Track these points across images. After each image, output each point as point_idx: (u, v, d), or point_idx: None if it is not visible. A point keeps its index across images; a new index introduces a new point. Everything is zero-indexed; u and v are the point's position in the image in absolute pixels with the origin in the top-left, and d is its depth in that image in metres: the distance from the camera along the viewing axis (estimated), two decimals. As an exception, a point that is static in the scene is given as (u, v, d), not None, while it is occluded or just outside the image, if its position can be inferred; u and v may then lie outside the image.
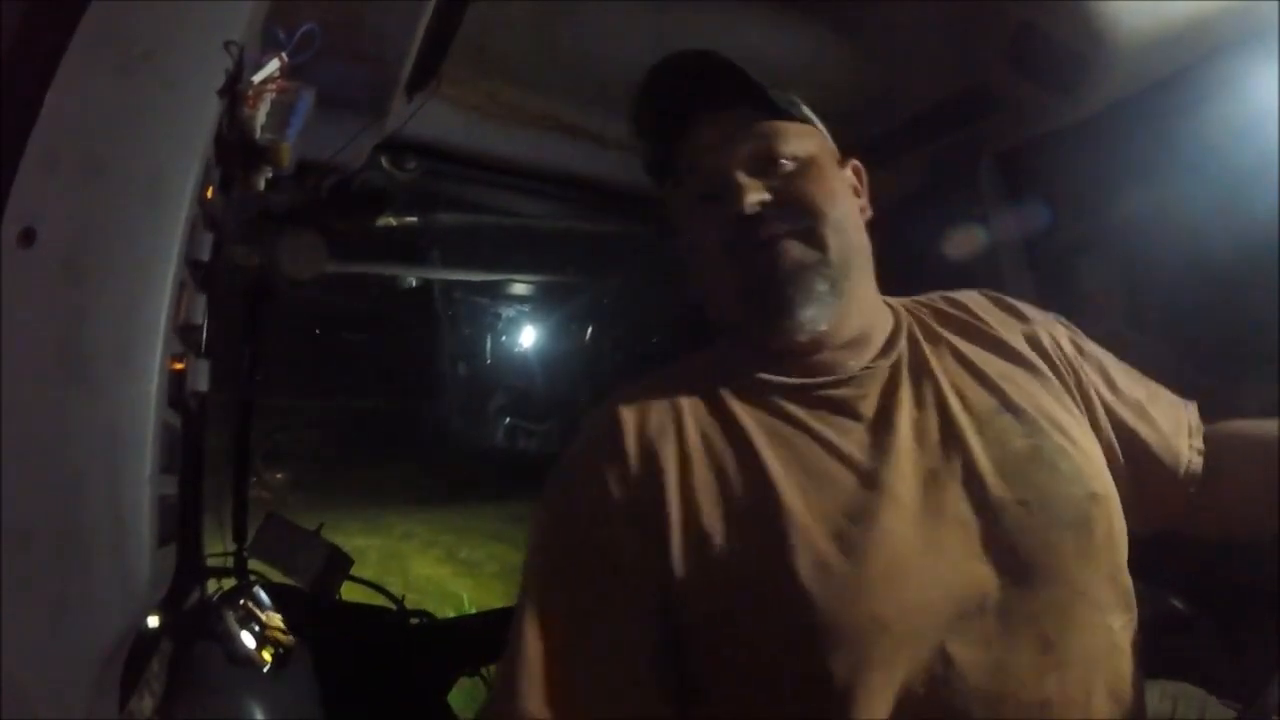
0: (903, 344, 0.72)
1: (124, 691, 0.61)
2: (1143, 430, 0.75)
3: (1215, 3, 1.08)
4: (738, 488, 0.63)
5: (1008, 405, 0.68)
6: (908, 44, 1.29)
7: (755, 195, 0.68)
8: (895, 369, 0.70)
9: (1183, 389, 0.81)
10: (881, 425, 0.66)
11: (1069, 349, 0.76)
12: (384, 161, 1.37)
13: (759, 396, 0.69)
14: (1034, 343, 0.75)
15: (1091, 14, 1.10)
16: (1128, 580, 0.65)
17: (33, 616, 0.52)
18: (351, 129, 1.12)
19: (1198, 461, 0.75)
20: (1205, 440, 0.77)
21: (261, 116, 0.65)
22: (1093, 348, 0.78)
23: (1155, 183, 1.23)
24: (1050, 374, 0.73)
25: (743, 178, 0.69)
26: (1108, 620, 0.62)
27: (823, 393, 0.69)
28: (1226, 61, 1.12)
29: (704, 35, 1.23)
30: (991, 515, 0.62)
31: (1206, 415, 0.79)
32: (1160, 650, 0.88)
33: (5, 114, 0.56)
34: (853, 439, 0.66)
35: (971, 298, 0.81)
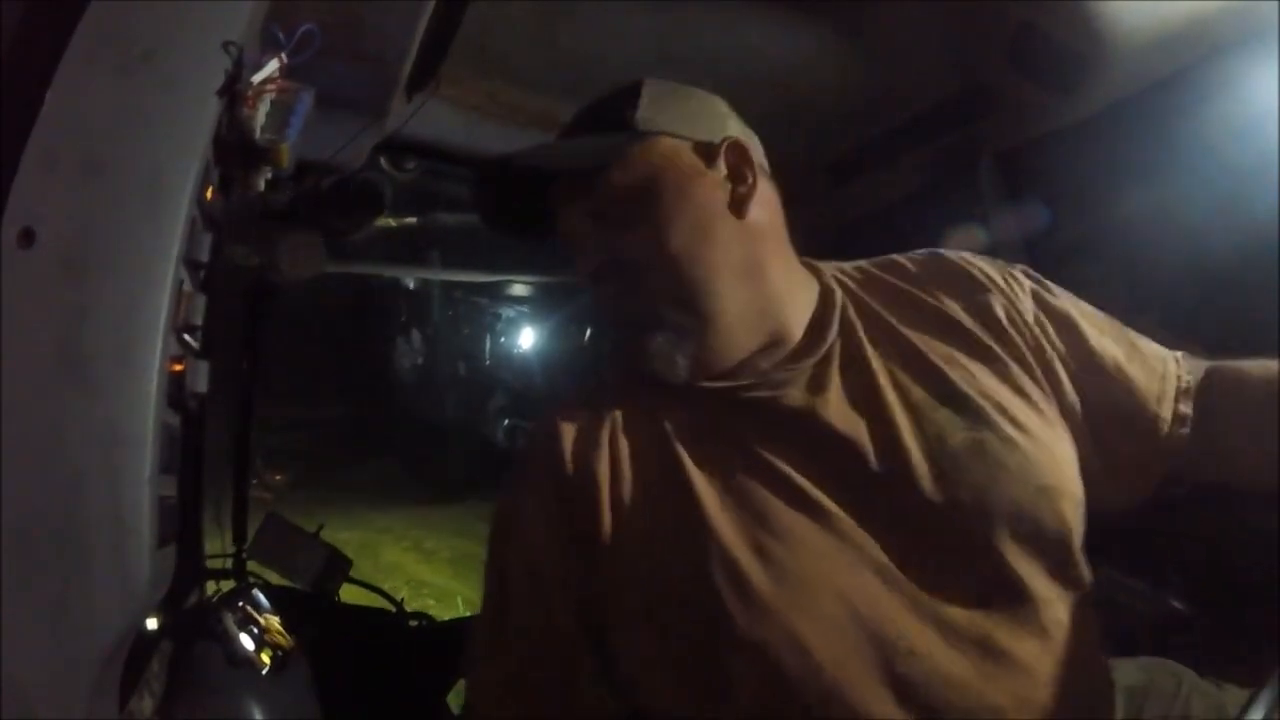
0: (833, 333, 0.68)
1: (124, 691, 0.61)
2: (1118, 393, 0.70)
3: (1215, 3, 1.08)
4: (662, 498, 0.63)
5: (950, 395, 0.64)
6: (908, 44, 1.29)
7: (590, 261, 0.70)
8: (823, 365, 0.67)
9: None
10: (805, 426, 0.64)
11: (1028, 310, 0.71)
12: (384, 161, 1.37)
13: (684, 401, 0.67)
14: (985, 314, 0.70)
15: (1091, 14, 1.09)
16: (1079, 565, 0.62)
17: (33, 616, 0.52)
18: (351, 129, 1.12)
19: (1181, 422, 0.70)
20: (1202, 381, 0.72)
21: (261, 117, 0.65)
22: (1062, 303, 0.73)
23: (1155, 183, 1.23)
24: (1001, 351, 0.68)
25: (578, 244, 0.71)
26: (1056, 615, 0.60)
27: (746, 395, 0.66)
28: (1226, 62, 1.12)
29: (704, 35, 1.23)
30: (923, 520, 0.59)
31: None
32: (1160, 650, 0.88)
33: (5, 114, 0.56)
34: (778, 445, 0.63)
35: (919, 263, 0.75)
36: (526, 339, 5.92)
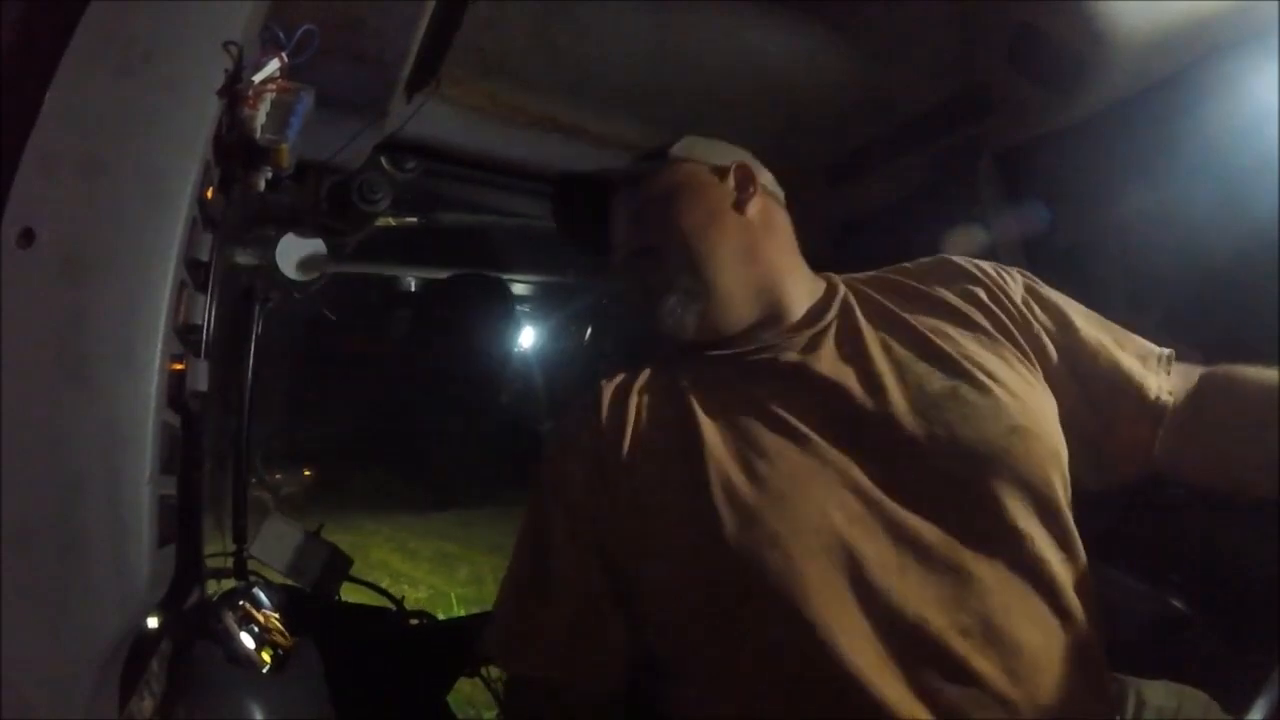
0: (832, 314, 0.82)
1: (124, 691, 0.61)
2: (1103, 367, 0.77)
3: (1215, 3, 1.08)
4: (673, 435, 0.75)
5: (932, 354, 0.74)
6: (907, 44, 1.29)
7: (621, 250, 0.89)
8: (818, 336, 0.79)
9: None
10: (799, 377, 0.76)
11: (1018, 298, 0.81)
12: (384, 161, 1.37)
13: (700, 365, 0.82)
14: (972, 298, 0.81)
15: (1091, 14, 1.09)
16: (1067, 519, 0.67)
17: (33, 616, 0.52)
18: (351, 129, 1.12)
19: (1165, 398, 0.76)
20: (1198, 383, 0.77)
21: (261, 117, 0.65)
22: (1053, 296, 0.83)
23: (1155, 183, 1.23)
24: (989, 325, 0.78)
25: (617, 240, 0.90)
26: (1035, 550, 0.63)
27: (751, 358, 0.80)
28: (1226, 61, 1.12)
29: (703, 35, 1.23)
30: (904, 453, 0.67)
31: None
32: (1160, 650, 0.88)
33: (5, 114, 0.56)
34: (774, 394, 0.75)
35: (919, 263, 0.88)
36: (527, 339, 5.92)
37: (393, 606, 1.47)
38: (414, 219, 1.84)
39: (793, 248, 0.89)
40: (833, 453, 0.69)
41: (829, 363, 0.76)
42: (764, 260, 0.85)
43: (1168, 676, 0.83)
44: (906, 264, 0.89)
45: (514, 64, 1.26)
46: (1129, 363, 0.78)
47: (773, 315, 0.83)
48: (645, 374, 0.84)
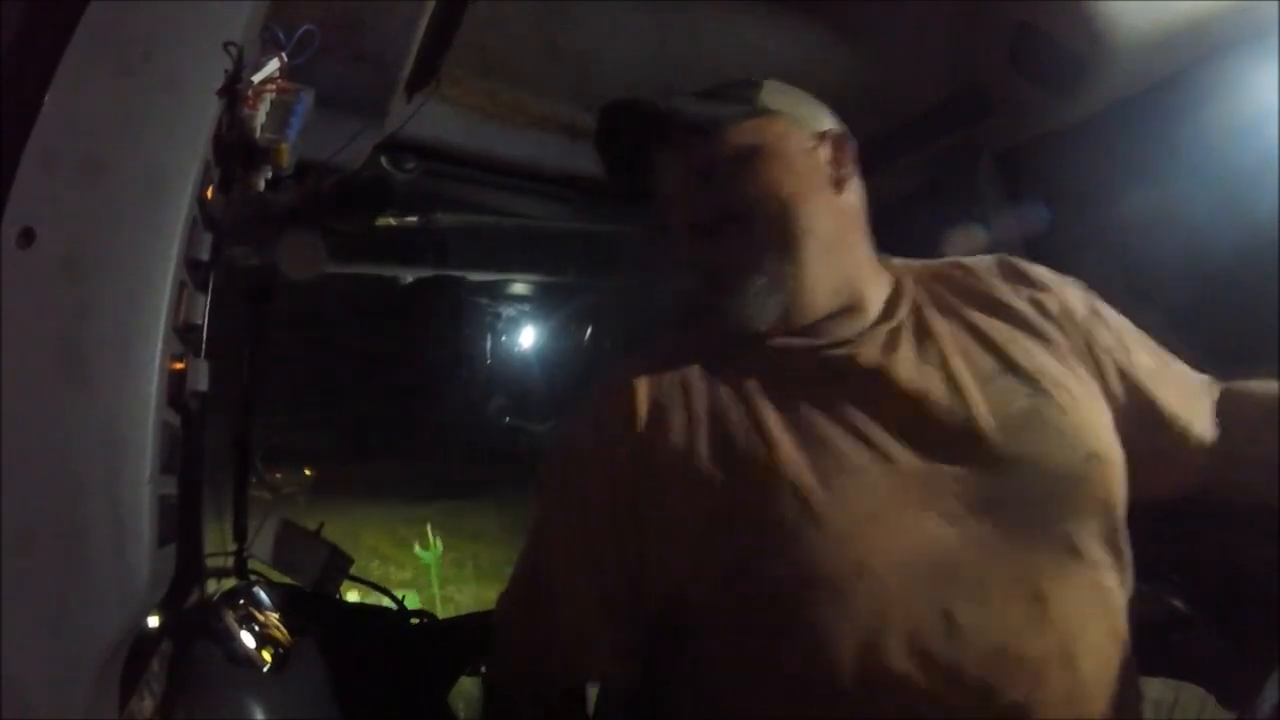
0: (904, 310, 0.75)
1: (124, 691, 0.61)
2: (1157, 394, 0.75)
3: (1215, 3, 1.08)
4: (739, 443, 0.68)
5: (1010, 366, 0.70)
6: (907, 44, 1.29)
7: (693, 211, 0.75)
8: (895, 332, 0.73)
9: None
10: (878, 384, 0.69)
11: (1082, 312, 0.77)
12: (384, 161, 1.37)
13: (762, 358, 0.73)
14: (1040, 307, 0.76)
15: (1091, 14, 1.09)
16: (1125, 542, 0.66)
17: (33, 616, 0.52)
18: (351, 129, 1.12)
19: (1211, 429, 0.76)
20: (1220, 401, 0.77)
21: (261, 116, 0.65)
22: (1111, 314, 0.80)
23: (1155, 183, 1.23)
24: (1059, 337, 0.74)
25: (684, 196, 0.76)
26: (1101, 578, 0.63)
27: (823, 353, 0.72)
28: (1226, 62, 1.12)
29: (703, 36, 1.23)
30: (987, 472, 0.63)
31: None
32: (1160, 650, 0.88)
33: (5, 114, 0.56)
34: (851, 397, 0.68)
35: (982, 263, 0.82)
36: (527, 339, 5.92)
37: (393, 606, 1.47)
38: (414, 219, 1.84)
39: (869, 232, 0.82)
40: (917, 469, 0.64)
41: (909, 367, 0.70)
42: (852, 248, 0.78)
43: (1168, 676, 0.83)
44: (963, 259, 0.84)
45: (514, 64, 1.26)
46: (1179, 402, 0.76)
47: (850, 307, 0.75)
48: (684, 361, 0.75)
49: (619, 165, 0.84)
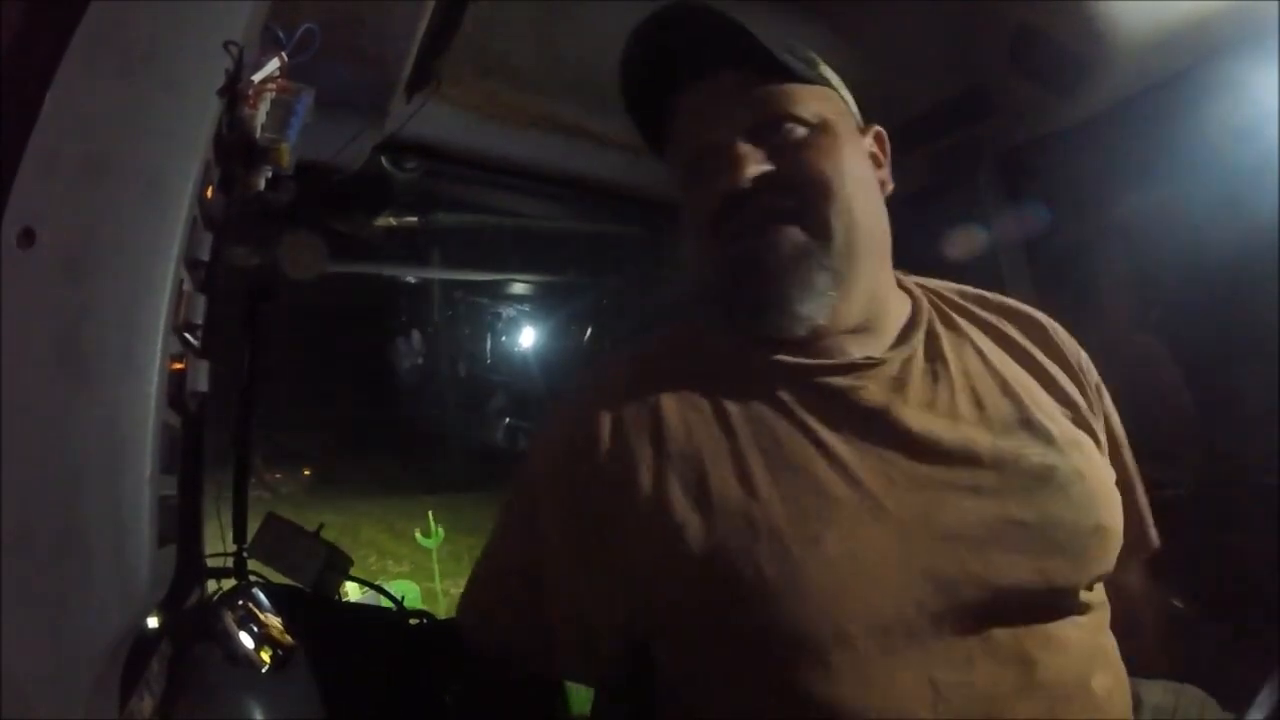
0: (919, 337, 0.67)
1: (124, 691, 0.61)
2: (1131, 492, 0.73)
3: (1215, 3, 1.08)
4: (713, 477, 0.60)
5: (1027, 420, 0.63)
6: (908, 45, 1.29)
7: (753, 168, 0.61)
8: (907, 364, 0.65)
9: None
10: (879, 424, 0.61)
11: (1094, 379, 0.73)
12: (384, 161, 1.37)
13: (748, 377, 0.64)
14: (1062, 360, 0.71)
15: (1091, 15, 1.09)
16: (1101, 587, 0.64)
17: (33, 616, 0.52)
18: (351, 129, 1.12)
19: (1155, 537, 0.76)
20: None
21: (261, 116, 0.65)
22: (1109, 401, 0.75)
23: (1155, 183, 1.24)
24: (1078, 396, 0.69)
25: (740, 146, 0.62)
26: (1092, 637, 0.61)
27: (821, 379, 0.63)
28: (1226, 63, 1.12)
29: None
30: (986, 533, 0.58)
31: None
32: (1160, 650, 0.88)
33: (5, 114, 0.56)
34: (845, 436, 0.60)
35: (1002, 301, 0.76)
36: (527, 338, 5.93)
37: (393, 606, 1.47)
38: (414, 219, 1.84)
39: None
40: (911, 524, 0.57)
41: (916, 411, 0.62)
42: (885, 259, 0.69)
43: (1166, 676, 0.83)
44: (984, 292, 0.76)
45: (514, 64, 1.26)
46: (1144, 503, 0.76)
47: (868, 326, 0.66)
48: (666, 387, 0.65)
49: (649, 92, 0.69)
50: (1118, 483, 0.68)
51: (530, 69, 1.27)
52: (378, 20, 0.99)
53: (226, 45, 0.61)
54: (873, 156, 0.71)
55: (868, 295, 0.66)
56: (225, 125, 0.63)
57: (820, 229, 0.62)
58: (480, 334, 6.06)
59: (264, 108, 0.65)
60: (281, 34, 0.69)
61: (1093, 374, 0.73)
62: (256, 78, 0.64)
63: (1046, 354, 0.71)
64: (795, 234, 0.61)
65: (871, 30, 1.27)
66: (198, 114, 0.60)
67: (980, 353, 0.68)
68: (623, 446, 0.63)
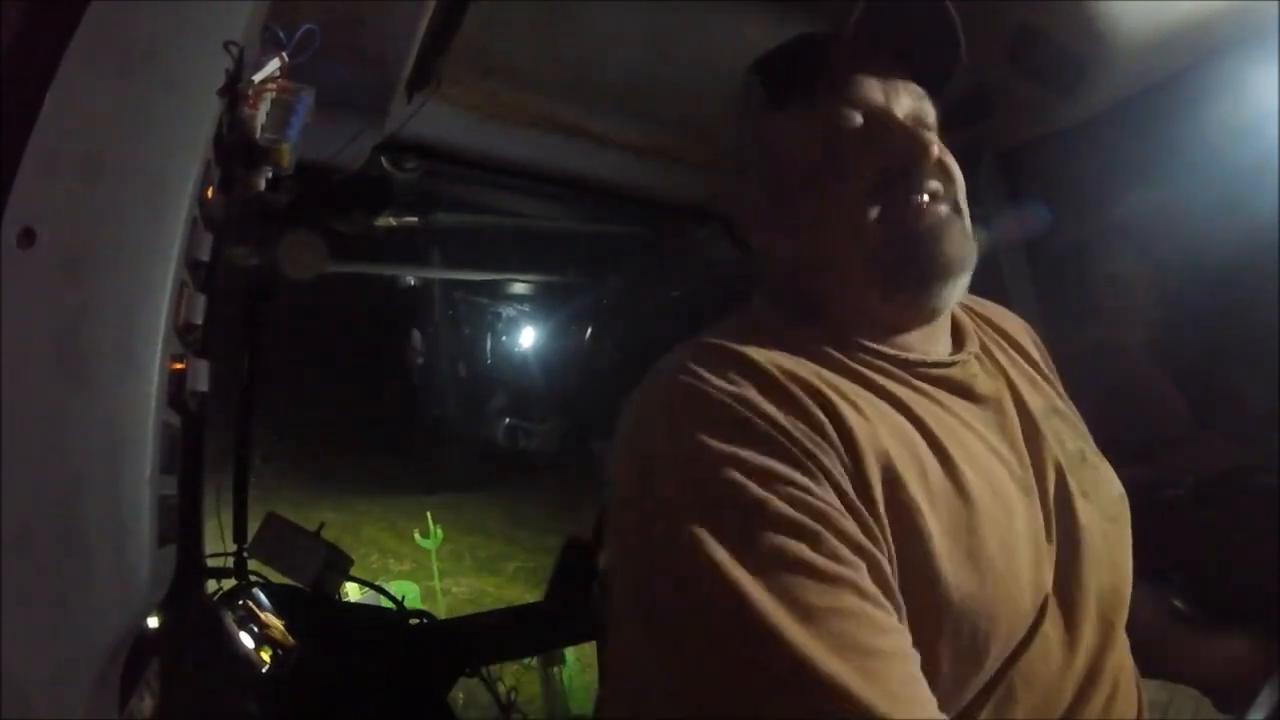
0: (973, 334, 0.70)
1: (124, 691, 0.61)
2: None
3: (1215, 3, 1.08)
4: (922, 456, 0.55)
5: (1054, 408, 0.70)
6: (908, 44, 1.29)
7: (936, 147, 0.61)
8: (980, 357, 0.68)
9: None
10: (997, 412, 0.64)
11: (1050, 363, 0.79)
12: (384, 161, 1.37)
13: (878, 366, 0.61)
14: (1048, 363, 0.78)
15: (1091, 15, 1.09)
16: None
17: (33, 616, 0.52)
18: (351, 129, 1.12)
19: None
20: None
21: (261, 116, 0.65)
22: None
23: (1155, 183, 1.24)
24: (1062, 393, 0.76)
25: (912, 124, 0.63)
26: (1129, 605, 0.65)
27: (938, 372, 0.63)
28: (1226, 63, 1.12)
29: (704, 36, 1.23)
30: (1067, 506, 0.63)
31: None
32: (1160, 650, 0.88)
33: (5, 114, 0.56)
34: (985, 425, 0.62)
35: (987, 304, 0.80)
36: (527, 338, 5.93)
37: (393, 606, 1.47)
38: (414, 219, 1.85)
39: None
40: (1048, 506, 0.62)
41: (1008, 399, 0.66)
42: None
43: (1165, 677, 0.83)
44: (977, 304, 0.79)
45: (514, 64, 1.26)
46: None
47: (945, 324, 0.69)
48: (809, 360, 0.58)
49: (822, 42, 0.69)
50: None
51: (530, 69, 1.27)
52: (378, 20, 0.99)
53: (226, 45, 0.61)
54: None
55: None
56: (225, 125, 0.63)
57: (963, 216, 0.63)
58: (480, 334, 6.06)
59: (264, 108, 0.65)
60: (281, 34, 0.69)
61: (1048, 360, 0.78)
62: (256, 78, 0.64)
63: (1037, 352, 0.77)
64: (959, 222, 0.62)
65: (871, 30, 1.27)
66: (198, 114, 0.60)
67: (1005, 352, 0.73)
68: (828, 414, 0.53)
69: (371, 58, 1.03)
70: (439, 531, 3.61)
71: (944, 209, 0.62)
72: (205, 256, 0.64)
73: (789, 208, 0.65)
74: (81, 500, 0.54)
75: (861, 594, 0.47)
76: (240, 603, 1.02)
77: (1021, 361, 0.74)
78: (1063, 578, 0.60)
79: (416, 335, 5.69)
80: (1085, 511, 0.63)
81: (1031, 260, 1.41)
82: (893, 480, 0.53)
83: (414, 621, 1.44)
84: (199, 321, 0.63)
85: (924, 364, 0.63)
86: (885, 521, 0.51)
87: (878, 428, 0.54)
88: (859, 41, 0.67)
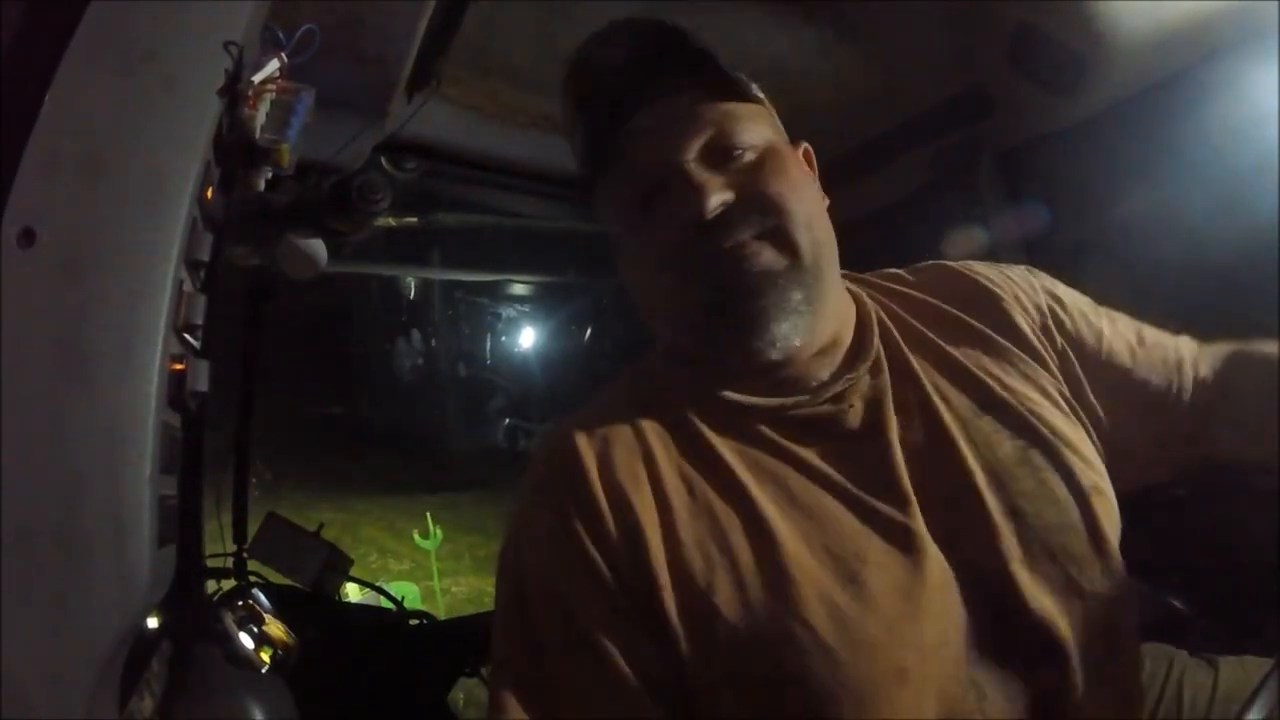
0: (876, 341, 0.66)
1: (124, 691, 0.61)
2: (1136, 383, 0.69)
3: (1215, 3, 1.08)
4: (731, 536, 0.56)
5: (990, 403, 0.63)
6: (907, 44, 1.29)
7: (718, 196, 0.59)
8: (875, 373, 0.64)
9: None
10: (870, 443, 0.60)
11: (1045, 307, 0.70)
12: (384, 161, 1.37)
13: (731, 421, 0.62)
14: (1004, 322, 0.69)
15: (1091, 14, 1.10)
16: (1119, 557, 0.62)
17: (33, 616, 0.52)
18: (351, 129, 1.13)
19: (1196, 402, 0.70)
20: (1225, 362, 0.72)
21: (261, 116, 0.65)
22: (1071, 298, 0.73)
23: (1155, 183, 1.23)
24: (1026, 355, 0.67)
25: (699, 173, 0.60)
26: (1107, 609, 0.60)
27: (803, 412, 0.62)
28: (1226, 62, 1.12)
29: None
30: (983, 531, 0.58)
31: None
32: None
33: (5, 114, 0.56)
34: (844, 464, 0.59)
35: (930, 276, 0.74)
36: (527, 339, 5.93)
37: (393, 607, 1.47)
38: (414, 219, 1.84)
39: None
40: (932, 547, 0.56)
41: (900, 422, 0.62)
42: (838, 272, 0.67)
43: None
44: (905, 272, 0.75)
45: (514, 64, 1.26)
46: (1160, 375, 0.71)
47: (833, 343, 0.65)
48: (651, 434, 0.62)
49: (595, 112, 0.65)
50: (1119, 386, 0.68)
51: (530, 69, 1.27)
52: (378, 20, 0.99)
53: (226, 45, 0.61)
54: (807, 173, 0.70)
55: (833, 312, 0.65)
56: (225, 125, 0.63)
57: (789, 249, 0.60)
58: (480, 334, 6.07)
59: (264, 108, 0.65)
60: (281, 34, 0.69)
61: (1038, 301, 0.70)
62: (256, 78, 0.64)
63: (985, 320, 0.69)
64: (768, 255, 0.60)
65: (871, 30, 1.27)
66: (198, 114, 0.60)
67: (933, 346, 0.67)
68: (625, 523, 0.57)
69: (371, 58, 1.03)
70: (439, 531, 3.61)
71: (755, 252, 0.59)
72: (205, 256, 0.64)
73: (634, 281, 0.67)
74: (81, 500, 0.54)
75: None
76: (240, 603, 1.02)
77: (966, 348, 0.67)
78: (975, 613, 0.55)
79: (416, 335, 5.70)
80: (1011, 534, 0.57)
81: (1031, 260, 1.41)
82: (686, 584, 0.56)
83: (414, 622, 1.45)
84: (199, 321, 0.63)
85: (784, 408, 0.62)
86: (676, 627, 0.55)
87: (683, 530, 0.57)
88: (609, 87, 0.64)
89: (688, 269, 0.60)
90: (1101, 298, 0.78)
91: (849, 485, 0.58)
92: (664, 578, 0.56)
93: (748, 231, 0.60)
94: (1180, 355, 0.72)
